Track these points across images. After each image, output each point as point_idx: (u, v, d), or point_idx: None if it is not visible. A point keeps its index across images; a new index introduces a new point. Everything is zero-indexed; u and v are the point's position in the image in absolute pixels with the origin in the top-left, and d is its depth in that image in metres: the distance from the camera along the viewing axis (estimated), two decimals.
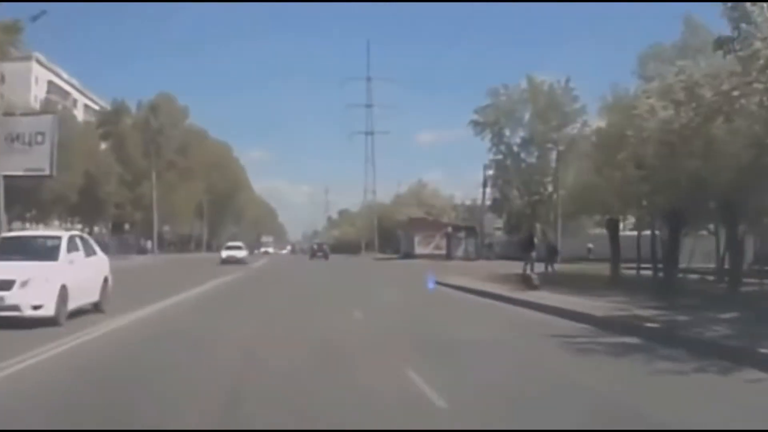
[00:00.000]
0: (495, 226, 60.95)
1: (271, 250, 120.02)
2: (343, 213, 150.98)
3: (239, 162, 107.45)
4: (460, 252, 55.85)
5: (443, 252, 57.59)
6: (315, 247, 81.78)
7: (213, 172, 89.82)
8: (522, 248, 27.24)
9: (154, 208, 69.27)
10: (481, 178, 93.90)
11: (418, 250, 59.62)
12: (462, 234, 56.57)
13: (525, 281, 19.50)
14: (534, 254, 27.05)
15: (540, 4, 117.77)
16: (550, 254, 27.05)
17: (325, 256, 70.66)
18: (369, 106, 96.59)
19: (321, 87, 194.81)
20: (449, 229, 58.52)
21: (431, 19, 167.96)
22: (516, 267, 38.71)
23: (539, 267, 29.73)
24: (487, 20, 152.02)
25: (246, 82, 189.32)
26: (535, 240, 27.79)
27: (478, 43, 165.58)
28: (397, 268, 44.41)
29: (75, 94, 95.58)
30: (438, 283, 26.52)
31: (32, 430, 5.74)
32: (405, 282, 28.15)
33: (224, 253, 51.32)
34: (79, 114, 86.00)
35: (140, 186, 76.22)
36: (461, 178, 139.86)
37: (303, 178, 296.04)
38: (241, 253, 52.25)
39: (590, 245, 53.21)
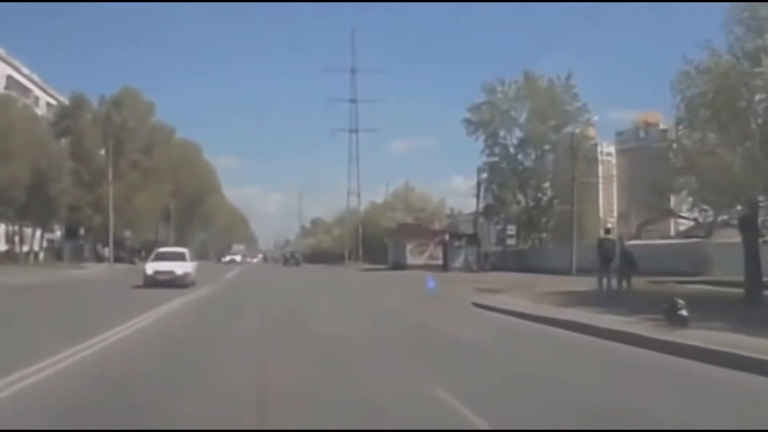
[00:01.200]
0: (509, 233, 53.34)
1: (238, 258, 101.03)
2: (316, 221, 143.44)
3: (209, 164, 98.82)
4: (458, 263, 48.09)
5: (439, 262, 49.83)
6: (287, 255, 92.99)
7: (180, 174, 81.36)
8: (602, 258, 19.62)
9: (110, 209, 60.34)
10: (456, 187, 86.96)
11: (411, 260, 51.78)
12: (461, 242, 48.80)
13: (668, 312, 11.83)
14: (613, 266, 19.48)
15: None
16: (627, 266, 19.47)
17: (297, 264, 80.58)
18: (353, 101, 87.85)
19: (296, 89, 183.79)
20: (446, 237, 50.72)
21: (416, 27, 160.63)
22: (536, 280, 31.76)
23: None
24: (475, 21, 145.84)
25: (217, 87, 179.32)
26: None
27: (454, 59, 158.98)
28: (400, 282, 35.59)
29: (36, 90, 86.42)
30: (478, 305, 18.91)
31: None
32: (446, 309, 20.14)
33: (151, 268, 28.52)
34: (41, 111, 77.10)
35: (100, 187, 67.53)
36: (435, 187, 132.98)
37: (275, 186, 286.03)
38: (182, 268, 28.53)
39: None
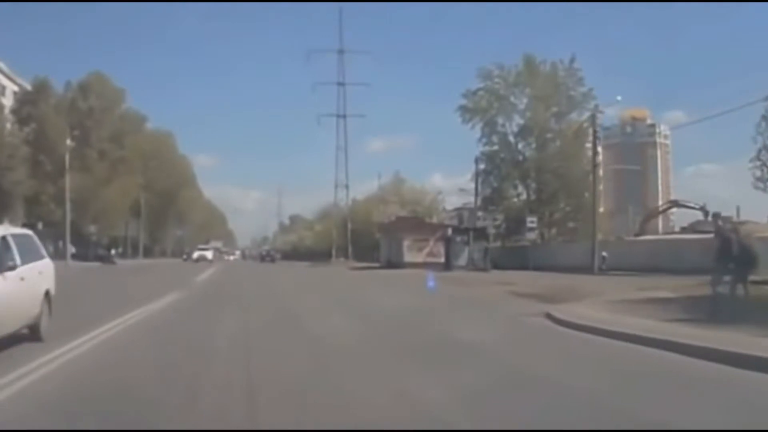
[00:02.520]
0: (529, 225, 47.08)
1: (210, 255, 76.73)
2: (294, 218, 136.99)
3: (183, 156, 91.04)
4: (461, 260, 42.01)
5: (439, 260, 43.70)
6: (263, 253, 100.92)
7: (152, 166, 74.53)
8: (724, 255, 13.74)
9: (66, 199, 53.43)
10: (436, 186, 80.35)
11: (408, 257, 45.51)
12: (466, 238, 42.56)
13: None
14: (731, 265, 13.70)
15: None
16: (745, 264, 13.64)
17: (272, 260, 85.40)
18: (341, 84, 79.91)
19: (277, 84, 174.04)
20: (449, 232, 44.49)
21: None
22: (570, 281, 25.99)
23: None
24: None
25: (194, 84, 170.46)
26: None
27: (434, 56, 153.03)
28: (408, 283, 28.68)
29: (3, 79, 79.24)
30: (561, 322, 12.95)
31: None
32: (515, 329, 13.89)
33: None
34: (8, 102, 69.89)
35: (63, 178, 60.87)
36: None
37: (255, 184, 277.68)
38: None
39: (604, 253, 40.87)
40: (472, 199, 60.92)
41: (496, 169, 57.57)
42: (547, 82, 56.79)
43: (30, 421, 5.59)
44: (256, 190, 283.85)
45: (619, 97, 47.27)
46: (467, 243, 41.84)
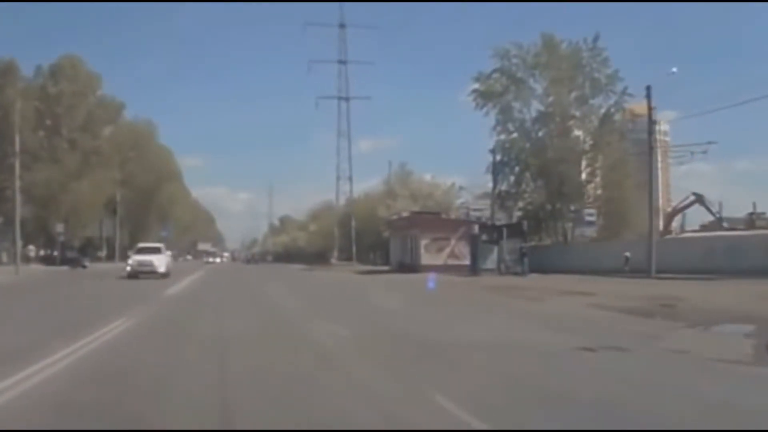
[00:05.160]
0: (587, 218, 40.68)
1: (161, 264, 32.95)
2: (284, 219, 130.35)
3: (165, 147, 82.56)
4: (489, 263, 35.54)
5: (464, 262, 37.19)
6: (249, 256, 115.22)
7: (131, 158, 67.56)
8: None
9: (15, 189, 46.02)
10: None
11: (426, 259, 38.88)
12: (497, 235, 35.93)
13: None
14: None
15: None
16: None
17: (256, 263, 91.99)
18: (343, 62, 72.00)
19: (265, 69, 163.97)
20: (475, 229, 37.80)
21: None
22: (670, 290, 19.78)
23: None
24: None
25: (176, 83, 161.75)
26: None
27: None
28: (464, 298, 21.58)
29: None
30: None
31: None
32: None
33: None
34: None
35: (30, 172, 54.06)
36: None
37: (243, 185, 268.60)
38: None
39: (627, 254, 35.96)
40: (469, 198, 55.15)
41: (513, 161, 51.34)
42: (568, 63, 50.70)
43: None
44: (244, 192, 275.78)
45: (674, 69, 40.81)
46: (496, 242, 35.26)
